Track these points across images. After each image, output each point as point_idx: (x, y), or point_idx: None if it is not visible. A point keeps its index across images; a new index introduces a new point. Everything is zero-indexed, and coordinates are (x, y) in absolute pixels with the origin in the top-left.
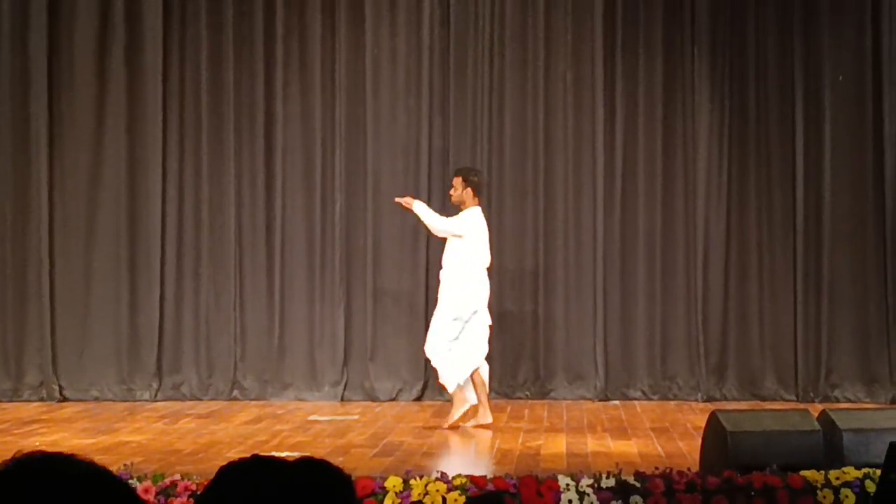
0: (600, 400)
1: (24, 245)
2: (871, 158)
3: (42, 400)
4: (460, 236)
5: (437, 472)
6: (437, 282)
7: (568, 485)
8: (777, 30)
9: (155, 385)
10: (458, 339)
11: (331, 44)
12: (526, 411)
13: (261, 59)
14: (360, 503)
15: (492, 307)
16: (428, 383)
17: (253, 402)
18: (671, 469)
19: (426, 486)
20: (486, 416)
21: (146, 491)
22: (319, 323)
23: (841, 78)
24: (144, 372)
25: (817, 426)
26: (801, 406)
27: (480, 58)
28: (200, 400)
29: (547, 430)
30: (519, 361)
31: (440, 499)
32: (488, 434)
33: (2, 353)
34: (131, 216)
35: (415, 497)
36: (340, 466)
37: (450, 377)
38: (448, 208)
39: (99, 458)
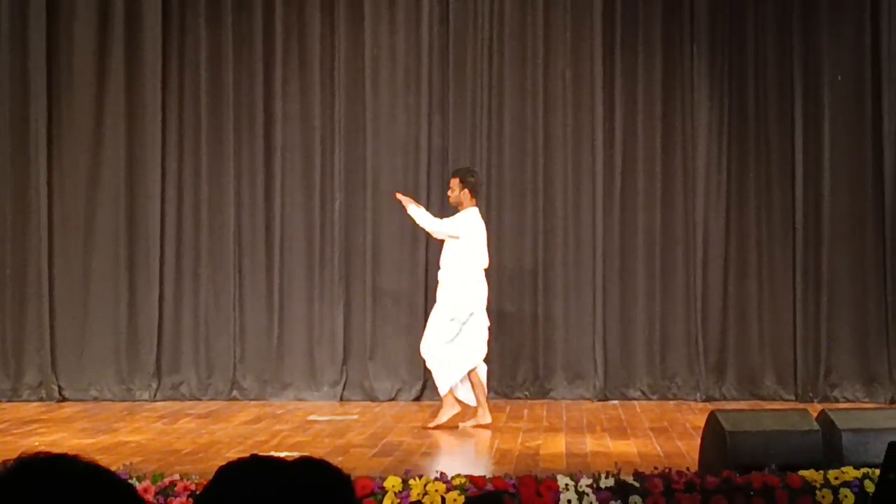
0: (599, 399)
1: (23, 245)
2: (870, 156)
3: (41, 400)
4: (457, 237)
5: (437, 472)
6: (437, 282)
7: (567, 485)
8: (776, 27)
9: (154, 385)
10: (455, 340)
11: (330, 42)
12: (525, 411)
13: (260, 58)
14: (360, 503)
15: (491, 306)
16: (427, 383)
17: (252, 402)
18: (670, 469)
19: (425, 486)
20: (485, 417)
21: (145, 491)
22: (319, 322)
23: (840, 78)
24: (144, 372)
25: (816, 426)
26: (801, 406)
27: (479, 56)
28: (200, 400)
29: (546, 430)
30: (518, 361)
31: (439, 499)
32: (487, 434)
33: (1, 352)
34: (131, 216)
35: (414, 497)
36: (340, 466)
37: (442, 380)
38: (447, 208)
39: (98, 458)
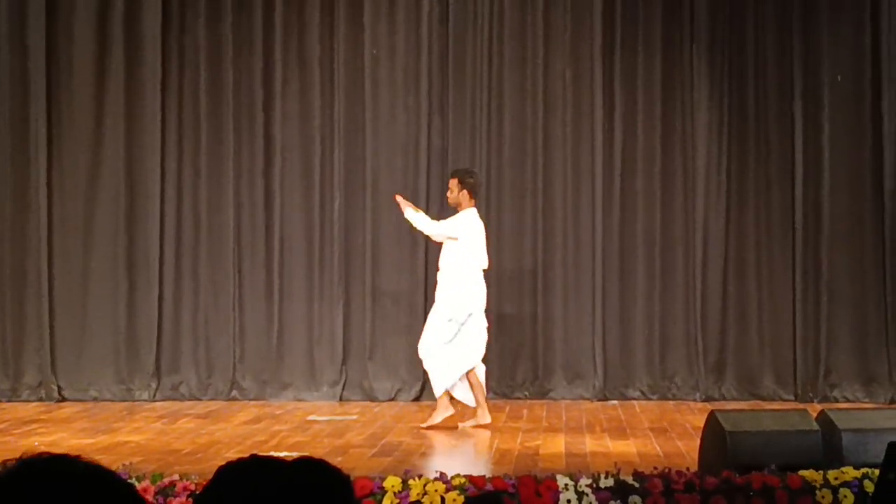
0: (599, 400)
1: (22, 245)
2: (869, 156)
3: (41, 400)
4: (455, 238)
5: (436, 472)
6: (436, 282)
7: (567, 485)
8: (776, 27)
9: (154, 385)
10: (453, 342)
11: (329, 42)
12: (524, 411)
13: (259, 58)
14: (359, 503)
15: (490, 306)
16: (427, 383)
17: (252, 402)
18: (670, 469)
19: (425, 486)
20: (484, 417)
21: (145, 491)
22: (318, 322)
23: (840, 78)
24: (143, 372)
25: (816, 426)
26: (800, 406)
27: (479, 56)
28: (199, 400)
29: (545, 430)
30: (517, 361)
31: (439, 499)
32: (487, 434)
33: (1, 352)
34: (130, 216)
35: (413, 497)
36: (339, 466)
37: (438, 381)
38: (446, 208)
39: (97, 459)
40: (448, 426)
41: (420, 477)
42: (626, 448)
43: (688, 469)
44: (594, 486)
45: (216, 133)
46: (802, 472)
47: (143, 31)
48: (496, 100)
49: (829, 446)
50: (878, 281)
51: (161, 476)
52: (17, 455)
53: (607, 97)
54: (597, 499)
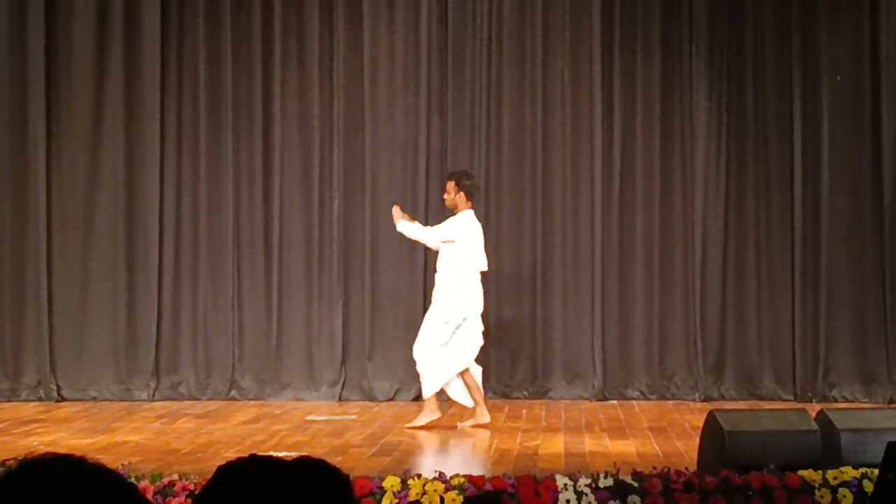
0: (598, 399)
1: (22, 245)
2: (868, 156)
3: (40, 400)
4: (452, 241)
5: (435, 471)
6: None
7: (566, 484)
8: (775, 27)
9: (153, 385)
10: (448, 344)
11: (329, 42)
12: (524, 411)
13: (259, 58)
14: (358, 503)
15: (489, 306)
16: None
17: (251, 402)
18: (669, 469)
19: (424, 485)
20: (483, 416)
21: (144, 491)
22: (317, 322)
23: (839, 78)
24: (142, 372)
25: (815, 426)
26: (799, 406)
27: (478, 56)
28: (198, 400)
29: (545, 430)
30: (517, 361)
31: (438, 499)
32: (486, 434)
33: (0, 352)
34: (129, 216)
35: (413, 497)
36: (338, 466)
37: (429, 383)
38: (445, 209)
39: (96, 459)
40: (429, 427)
41: (419, 477)
42: (626, 448)
43: (687, 469)
44: (593, 485)
45: (215, 133)
46: (801, 472)
47: (142, 31)
48: (495, 100)
49: (828, 446)
50: (877, 281)
51: (160, 476)
52: (17, 455)
53: (606, 97)
54: (596, 499)
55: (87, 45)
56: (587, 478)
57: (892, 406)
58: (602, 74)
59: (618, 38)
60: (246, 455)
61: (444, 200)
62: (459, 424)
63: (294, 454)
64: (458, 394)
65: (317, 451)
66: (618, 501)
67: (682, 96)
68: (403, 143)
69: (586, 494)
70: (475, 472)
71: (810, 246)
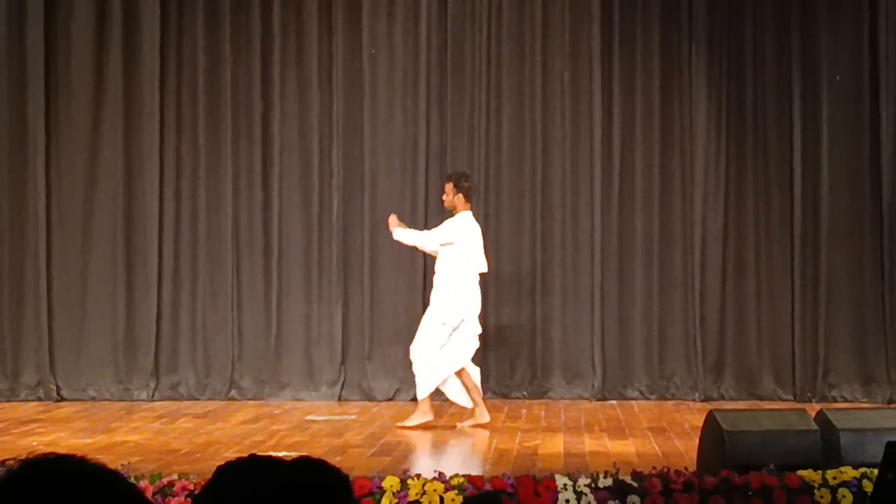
0: (598, 399)
1: (21, 245)
2: (868, 156)
3: (39, 400)
4: (451, 244)
5: (435, 471)
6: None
7: (565, 484)
8: (774, 27)
9: (152, 385)
10: (445, 346)
11: (328, 42)
12: (523, 411)
13: (258, 59)
14: (358, 503)
15: (489, 306)
16: None
17: (250, 402)
18: (668, 469)
19: (423, 485)
20: (482, 416)
21: (143, 490)
22: (317, 322)
23: (838, 77)
24: (141, 372)
25: (814, 426)
26: (799, 405)
27: (478, 56)
28: (198, 400)
29: (544, 430)
30: (516, 361)
31: (437, 498)
32: (485, 434)
33: None
34: (128, 216)
35: (412, 497)
36: (338, 466)
37: (423, 385)
38: (444, 209)
39: (96, 459)
40: (420, 428)
41: (419, 477)
42: (625, 448)
43: (686, 469)
44: (593, 485)
45: (214, 133)
46: (801, 472)
47: (141, 31)
48: (494, 99)
49: (827, 446)
50: (876, 281)
51: (159, 476)
52: (17, 455)
53: (606, 97)
54: (595, 498)
55: (86, 45)
56: (586, 478)
57: (891, 406)
58: (601, 75)
59: (617, 37)
60: (245, 455)
61: (442, 201)
62: (459, 424)
63: (293, 454)
64: (457, 395)
65: (316, 451)
66: (617, 501)
67: (681, 96)
68: (403, 143)
69: (586, 494)
70: (474, 471)
71: (810, 246)
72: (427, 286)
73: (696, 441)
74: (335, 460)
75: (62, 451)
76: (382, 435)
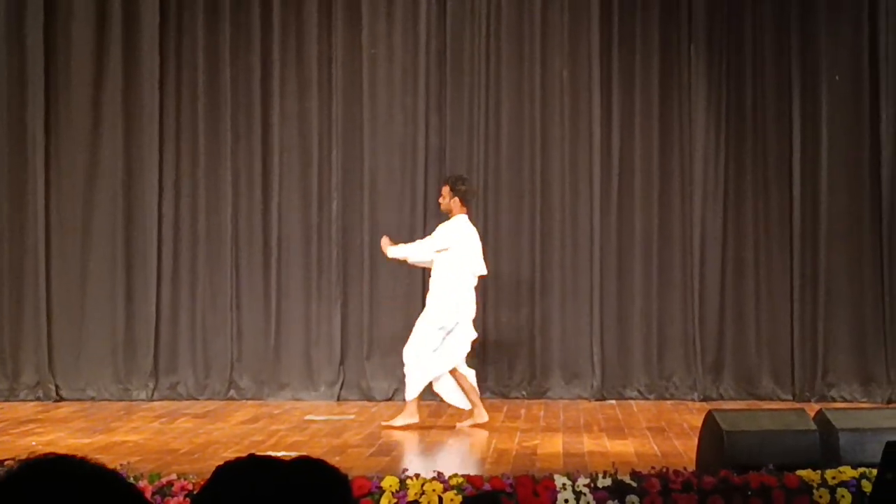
0: (597, 399)
1: (20, 245)
2: (867, 156)
3: (38, 399)
4: (447, 249)
5: (434, 471)
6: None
7: (564, 484)
8: (774, 27)
9: (151, 385)
10: (439, 349)
11: (327, 42)
12: (522, 411)
13: (257, 59)
14: (357, 503)
15: (488, 306)
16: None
17: (249, 402)
18: (667, 468)
19: (423, 485)
20: (481, 416)
21: (142, 490)
22: (316, 322)
23: (838, 77)
24: (141, 372)
25: (813, 426)
26: (798, 405)
27: (477, 56)
28: (197, 400)
29: (543, 430)
30: (515, 361)
31: (436, 498)
32: (484, 434)
33: None
34: (128, 216)
35: (411, 497)
36: (337, 466)
37: (412, 386)
38: (441, 212)
39: (95, 459)
40: (405, 429)
41: (418, 476)
42: (624, 448)
43: (685, 469)
44: (592, 485)
45: (214, 133)
46: (800, 472)
47: (141, 31)
48: (494, 99)
49: (826, 446)
50: (875, 280)
51: (159, 476)
52: (16, 455)
53: (605, 96)
54: (594, 498)
55: (85, 45)
56: (586, 478)
57: (890, 406)
58: (601, 74)
59: (616, 38)
60: (244, 455)
61: (439, 204)
62: (458, 424)
63: (293, 454)
64: (453, 396)
65: (315, 451)
66: (616, 501)
67: (680, 96)
68: (402, 142)
69: (585, 494)
70: (473, 471)
71: (809, 246)
72: (426, 287)
73: (695, 441)
74: (334, 460)
75: (61, 451)
76: (381, 435)
